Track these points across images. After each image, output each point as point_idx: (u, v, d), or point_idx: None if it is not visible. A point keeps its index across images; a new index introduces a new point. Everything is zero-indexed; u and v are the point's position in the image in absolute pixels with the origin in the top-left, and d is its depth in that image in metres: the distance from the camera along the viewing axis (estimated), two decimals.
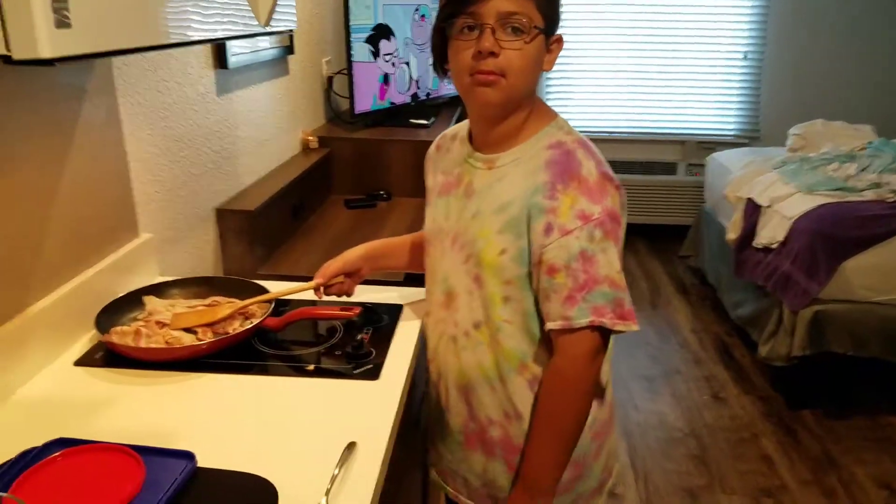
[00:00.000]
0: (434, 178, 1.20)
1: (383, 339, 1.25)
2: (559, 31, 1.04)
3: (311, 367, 1.16)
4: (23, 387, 1.09)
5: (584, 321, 0.95)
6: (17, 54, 0.63)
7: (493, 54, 0.95)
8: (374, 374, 1.14)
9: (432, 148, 1.24)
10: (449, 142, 1.19)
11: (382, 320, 1.32)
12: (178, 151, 1.60)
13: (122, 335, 1.18)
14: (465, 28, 0.96)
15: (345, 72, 2.50)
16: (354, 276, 1.32)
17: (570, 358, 1.00)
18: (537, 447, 1.05)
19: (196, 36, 0.88)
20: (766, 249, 2.77)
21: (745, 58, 4.16)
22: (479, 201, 1.05)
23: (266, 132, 2.11)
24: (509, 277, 1.02)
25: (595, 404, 1.09)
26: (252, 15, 1.01)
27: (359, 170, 2.46)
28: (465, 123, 1.16)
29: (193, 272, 1.67)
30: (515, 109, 1.03)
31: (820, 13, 4.04)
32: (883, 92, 4.12)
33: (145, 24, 0.79)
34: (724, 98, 4.26)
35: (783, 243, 2.68)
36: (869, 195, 2.74)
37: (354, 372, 1.14)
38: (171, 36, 0.83)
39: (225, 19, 0.95)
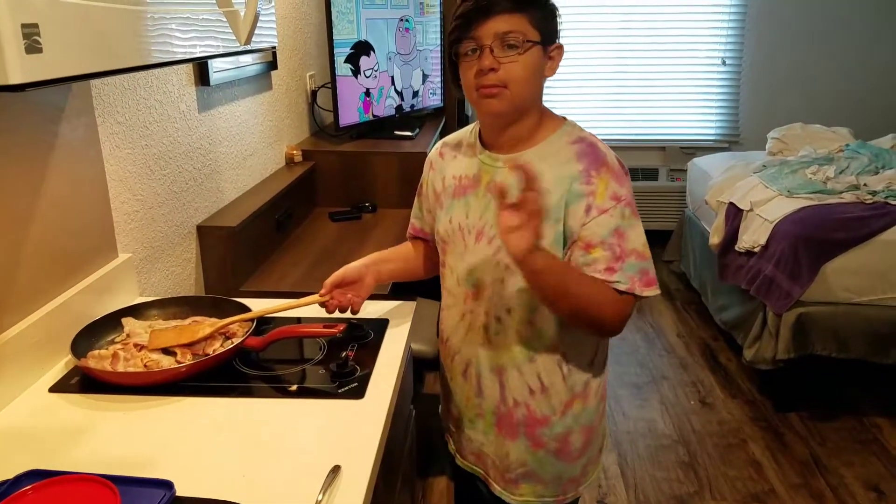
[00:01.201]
0: (443, 183, 1.26)
1: (369, 355, 1.24)
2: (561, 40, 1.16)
3: (294, 387, 1.15)
4: None
5: (622, 287, 1.08)
6: None
7: (493, 70, 1.07)
8: (359, 392, 1.12)
9: (435, 155, 1.30)
10: (452, 149, 1.27)
11: (368, 335, 1.30)
12: (159, 169, 1.58)
13: (99, 359, 1.16)
14: (469, 51, 1.09)
15: (329, 86, 2.49)
16: (358, 285, 1.30)
17: (612, 312, 1.11)
18: (565, 274, 1.09)
19: (174, 56, 0.87)
20: (749, 253, 2.78)
21: (723, 63, 4.20)
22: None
23: (250, 147, 2.09)
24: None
25: (598, 369, 1.24)
26: (232, 33, 1.00)
27: (344, 182, 2.45)
28: (467, 131, 1.27)
29: (174, 291, 1.65)
30: (524, 114, 1.14)
31: (795, 19, 4.10)
32: (859, 95, 4.18)
33: (120, 46, 0.78)
34: (703, 103, 4.30)
35: (765, 247, 2.69)
36: (848, 197, 2.77)
37: (339, 391, 1.13)
38: (147, 57, 0.81)
39: (204, 39, 0.94)
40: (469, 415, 1.29)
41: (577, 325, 1.15)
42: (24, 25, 0.61)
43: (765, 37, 4.13)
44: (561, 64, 1.19)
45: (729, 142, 4.30)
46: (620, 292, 1.09)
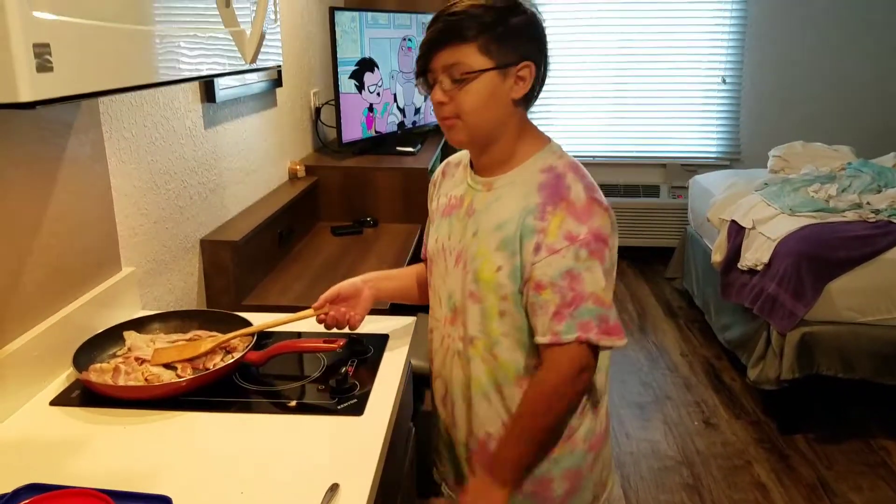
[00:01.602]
0: (437, 201, 1.25)
1: (368, 371, 1.24)
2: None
3: (294, 402, 1.15)
4: None
5: (571, 336, 1.01)
6: None
7: (444, 103, 1.06)
8: (358, 409, 1.12)
9: (438, 173, 1.30)
10: (453, 168, 1.26)
11: (368, 351, 1.30)
12: (164, 184, 1.59)
13: (100, 373, 1.16)
14: (427, 84, 1.09)
15: (332, 102, 2.51)
16: (354, 301, 1.29)
17: (557, 371, 1.05)
18: (509, 442, 1.10)
19: (180, 74, 0.88)
20: (752, 271, 2.77)
21: (723, 81, 4.22)
22: (478, 221, 1.12)
23: (254, 163, 2.11)
24: (505, 293, 1.08)
25: (590, 415, 1.16)
26: (238, 52, 1.02)
27: (346, 197, 2.47)
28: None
29: (176, 305, 1.65)
30: (494, 139, 1.10)
31: (795, 37, 4.12)
32: (859, 113, 4.19)
33: (129, 64, 0.79)
34: (704, 121, 4.31)
35: (768, 265, 2.68)
36: (851, 216, 2.75)
37: (338, 407, 1.12)
38: (155, 75, 0.83)
39: (210, 57, 0.96)
40: (447, 443, 1.26)
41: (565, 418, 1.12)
42: (35, 45, 0.63)
43: (765, 55, 4.15)
44: (563, 81, 1.19)
45: (730, 159, 4.31)
46: (566, 343, 1.02)
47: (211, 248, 1.76)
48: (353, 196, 2.47)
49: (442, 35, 1.04)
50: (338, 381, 1.17)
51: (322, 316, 1.27)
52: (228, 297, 1.77)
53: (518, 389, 1.12)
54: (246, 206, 2.05)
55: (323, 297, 1.27)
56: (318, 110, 2.69)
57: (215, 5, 0.99)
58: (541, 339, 1.04)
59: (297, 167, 2.39)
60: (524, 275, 1.05)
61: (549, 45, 1.10)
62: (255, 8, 1.08)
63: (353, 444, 1.03)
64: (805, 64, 4.15)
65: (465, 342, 1.15)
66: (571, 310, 1.01)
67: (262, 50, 1.10)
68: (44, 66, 0.64)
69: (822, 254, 2.55)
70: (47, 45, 0.64)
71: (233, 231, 1.83)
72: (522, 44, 1.05)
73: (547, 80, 1.12)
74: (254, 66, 1.08)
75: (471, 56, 1.03)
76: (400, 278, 1.37)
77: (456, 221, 1.16)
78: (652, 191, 4.31)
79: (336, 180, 2.46)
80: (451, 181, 1.23)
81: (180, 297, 1.68)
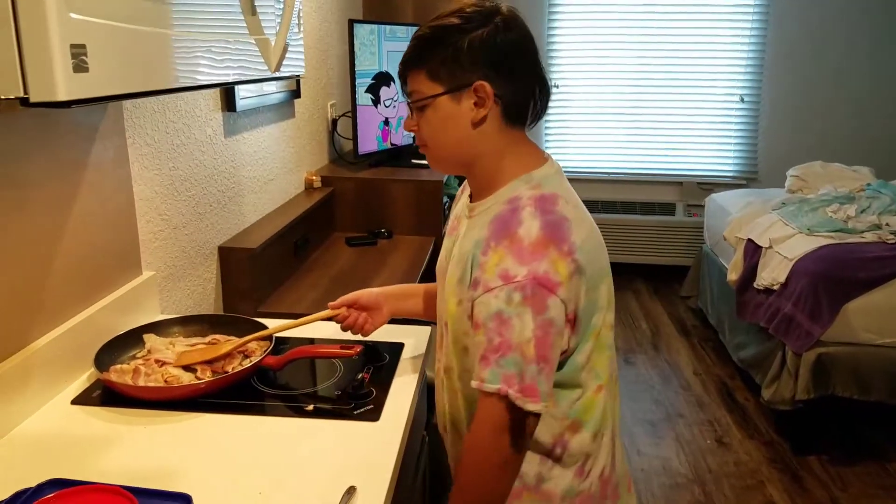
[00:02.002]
0: (449, 220, 1.22)
1: (384, 378, 1.24)
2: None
3: (311, 406, 1.15)
4: (19, 425, 1.08)
5: (493, 387, 0.90)
6: (35, 97, 0.65)
7: (413, 130, 1.04)
8: (374, 414, 1.13)
9: (459, 192, 1.25)
10: (466, 188, 1.21)
11: (383, 359, 1.31)
12: (184, 191, 1.62)
13: (120, 373, 1.18)
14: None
15: (349, 114, 2.54)
16: (374, 312, 1.28)
17: (479, 422, 0.94)
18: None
19: (207, 80, 0.90)
20: (768, 291, 2.75)
21: (741, 100, 4.22)
22: (457, 248, 1.06)
23: (271, 172, 2.13)
24: (465, 328, 1.00)
25: (570, 473, 1.03)
26: (262, 60, 1.04)
27: (361, 208, 2.49)
28: None
29: (194, 310, 1.67)
30: (468, 164, 1.03)
31: (814, 56, 4.12)
32: (880, 134, 4.17)
33: (159, 68, 0.82)
34: (721, 139, 4.31)
35: (784, 285, 2.66)
36: (869, 237, 2.74)
37: (354, 412, 1.13)
38: (182, 80, 0.85)
39: (236, 64, 0.98)
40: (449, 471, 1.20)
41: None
42: (73, 46, 0.65)
43: (783, 75, 4.15)
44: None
45: (747, 178, 4.30)
46: (490, 393, 0.91)
47: (228, 255, 1.78)
48: (368, 207, 2.49)
49: (401, 63, 1.02)
50: (354, 387, 1.18)
51: (340, 316, 1.27)
52: (245, 303, 1.79)
53: None
54: (263, 215, 2.07)
55: (341, 299, 1.28)
56: (334, 122, 2.72)
57: (241, 13, 1.01)
58: (472, 382, 0.94)
59: (314, 177, 2.42)
60: (468, 311, 0.98)
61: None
62: (279, 17, 1.10)
63: (369, 449, 1.04)
64: (824, 84, 4.14)
65: (445, 370, 1.11)
66: (497, 357, 0.90)
67: (286, 58, 1.12)
68: (80, 66, 0.66)
69: (839, 274, 2.53)
70: (83, 46, 0.66)
71: (250, 239, 1.85)
72: (476, 63, 0.96)
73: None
74: (278, 74, 1.10)
75: (422, 82, 0.99)
76: (414, 297, 1.33)
77: (450, 244, 1.11)
78: (668, 209, 4.30)
79: (351, 191, 2.48)
80: (461, 202, 1.19)
81: (198, 302, 1.70)
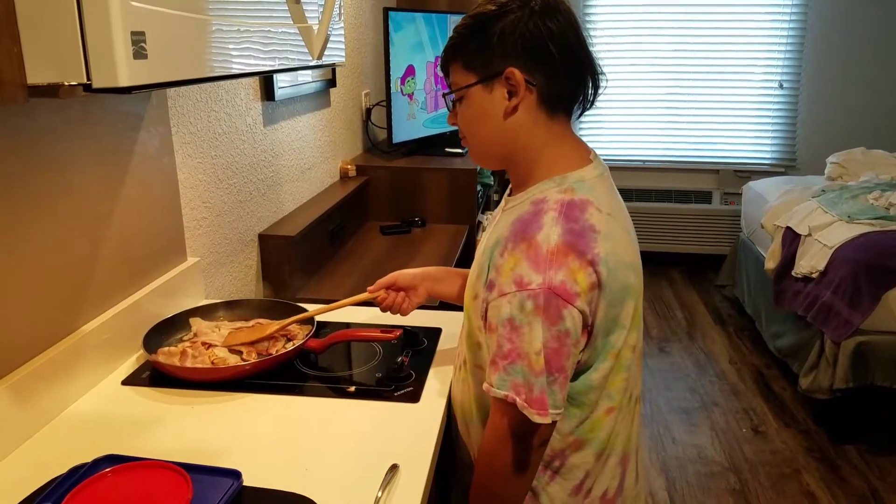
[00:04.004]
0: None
1: (423, 361, 1.27)
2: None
3: (352, 388, 1.18)
4: (73, 405, 1.13)
5: (501, 393, 0.89)
6: (98, 83, 0.68)
7: (455, 124, 1.02)
8: (414, 396, 1.15)
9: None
10: None
11: (422, 343, 1.33)
12: (226, 179, 1.65)
13: (168, 355, 1.22)
14: None
15: (383, 104, 2.56)
16: (411, 292, 1.29)
17: (490, 427, 0.94)
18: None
19: (254, 68, 0.93)
20: (806, 279, 2.71)
21: (780, 86, 4.14)
22: (482, 241, 1.04)
23: (308, 161, 2.17)
24: (479, 324, 0.98)
25: (569, 489, 1.00)
26: (305, 49, 1.06)
27: (395, 197, 2.51)
28: None
29: (236, 295, 1.71)
30: (506, 158, 1.00)
31: (855, 42, 4.01)
32: None
33: (210, 55, 0.84)
34: (759, 126, 4.22)
35: (823, 273, 2.62)
36: None
37: (395, 394, 1.15)
38: (232, 67, 0.87)
39: (280, 52, 1.00)
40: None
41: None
42: (133, 33, 0.67)
43: (823, 60, 4.05)
44: (616, 85, 1.04)
45: (785, 166, 4.21)
46: (499, 398, 0.90)
47: (268, 243, 1.82)
48: (402, 196, 2.51)
49: (441, 56, 1.00)
50: (394, 370, 1.21)
51: (380, 298, 1.28)
52: (284, 289, 1.82)
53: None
54: (301, 203, 2.10)
55: (380, 281, 1.29)
56: (368, 111, 2.75)
57: (285, 2, 1.03)
58: (483, 385, 0.93)
59: (349, 166, 2.44)
60: (482, 310, 0.95)
61: (603, 48, 0.98)
62: (321, 5, 1.12)
63: (410, 429, 1.06)
64: (865, 69, 4.03)
65: (460, 361, 1.10)
66: (506, 363, 0.88)
67: (327, 46, 1.13)
68: (140, 53, 0.68)
69: (880, 262, 2.48)
70: (143, 34, 0.69)
71: (289, 227, 1.88)
72: (508, 51, 0.92)
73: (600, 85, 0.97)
74: (320, 62, 1.12)
75: (459, 74, 0.97)
76: (449, 280, 1.31)
77: (488, 230, 1.08)
78: (704, 197, 4.24)
79: (385, 180, 2.50)
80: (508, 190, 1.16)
81: (239, 287, 1.74)
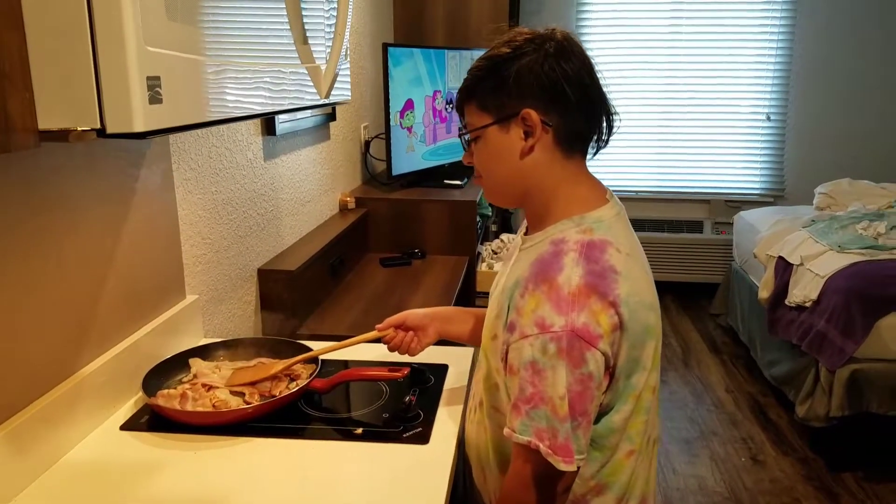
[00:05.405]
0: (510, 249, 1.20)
1: (430, 400, 1.24)
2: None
3: (360, 430, 1.15)
4: (70, 451, 1.09)
5: (524, 438, 0.87)
6: (112, 128, 0.66)
7: (470, 164, 1.02)
8: (423, 437, 1.13)
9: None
10: None
11: (428, 380, 1.31)
12: (226, 214, 1.64)
13: (168, 398, 1.19)
14: None
15: (382, 136, 2.57)
16: (420, 332, 1.26)
17: (511, 474, 0.92)
18: None
19: (264, 109, 0.92)
20: (800, 308, 2.74)
21: (767, 118, 4.21)
22: (501, 280, 1.03)
23: (308, 194, 2.16)
24: (498, 366, 0.96)
25: None
26: (313, 88, 1.05)
27: (394, 229, 2.51)
28: None
29: (235, 333, 1.68)
30: (523, 197, 1.00)
31: (840, 75, 4.10)
32: None
33: (222, 98, 0.83)
34: (748, 157, 4.29)
35: (817, 302, 2.64)
36: None
37: (403, 435, 1.13)
38: (243, 109, 0.86)
39: (290, 92, 1.00)
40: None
41: None
42: (149, 78, 0.66)
43: (810, 92, 4.13)
44: None
45: (774, 196, 4.28)
46: (521, 444, 0.88)
47: (268, 278, 1.79)
48: (402, 228, 2.50)
49: (457, 96, 1.01)
50: (402, 410, 1.18)
51: (388, 337, 1.26)
52: (284, 325, 1.80)
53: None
54: (300, 237, 2.09)
55: (388, 320, 1.26)
56: (367, 143, 2.75)
57: (293, 43, 1.03)
58: (504, 430, 0.91)
59: (348, 199, 2.44)
60: (501, 352, 0.94)
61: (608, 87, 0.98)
62: (328, 45, 1.12)
63: (420, 472, 1.04)
64: (850, 100, 4.12)
65: (475, 402, 1.07)
66: (529, 408, 0.86)
67: (334, 85, 1.13)
68: (155, 97, 0.67)
69: (872, 291, 2.52)
70: (158, 78, 0.68)
71: (288, 261, 1.87)
72: (524, 92, 0.92)
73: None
74: (327, 100, 1.11)
75: (474, 114, 0.98)
76: (461, 321, 1.29)
77: (503, 269, 1.07)
78: (695, 226, 4.29)
79: (385, 212, 2.50)
80: (521, 230, 1.13)
81: (239, 325, 1.71)
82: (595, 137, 0.99)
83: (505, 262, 1.09)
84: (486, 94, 0.95)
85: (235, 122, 0.86)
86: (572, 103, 0.93)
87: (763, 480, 2.55)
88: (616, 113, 0.99)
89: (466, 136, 1.00)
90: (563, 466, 0.86)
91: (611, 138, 1.00)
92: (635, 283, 0.91)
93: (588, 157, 1.00)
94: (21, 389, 1.02)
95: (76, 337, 1.13)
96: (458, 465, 1.16)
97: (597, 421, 0.92)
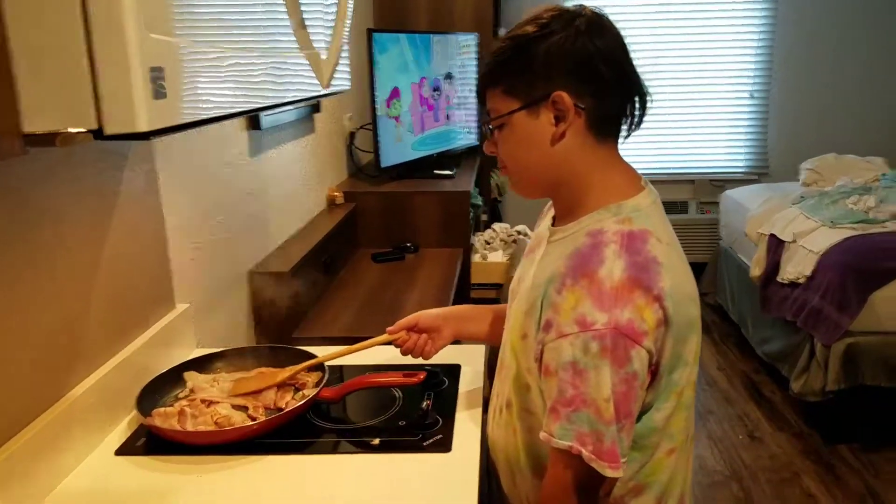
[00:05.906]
0: (530, 241, 1.13)
1: (447, 404, 1.17)
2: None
3: (377, 441, 1.08)
4: (63, 481, 1.00)
5: (564, 443, 0.82)
6: (111, 129, 0.57)
7: (493, 153, 0.96)
8: (445, 444, 1.06)
9: (546, 207, 1.13)
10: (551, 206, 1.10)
11: (442, 383, 1.24)
12: (214, 216, 1.55)
13: (165, 417, 1.10)
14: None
15: (368, 127, 2.48)
16: (434, 334, 1.19)
17: (550, 480, 0.87)
18: None
19: (268, 101, 0.84)
20: (793, 284, 2.74)
21: (751, 97, 4.21)
22: (533, 273, 0.96)
23: (295, 190, 2.07)
24: (529, 365, 0.91)
25: None
26: (312, 77, 0.97)
27: (385, 223, 2.42)
28: None
29: (228, 340, 1.59)
30: (553, 185, 0.94)
31: (821, 52, 4.10)
32: (888, 124, 4.16)
33: (228, 91, 0.75)
34: (732, 136, 4.29)
35: (811, 277, 2.65)
36: (892, 226, 2.74)
37: (424, 444, 1.06)
38: (249, 103, 0.78)
39: (293, 83, 0.92)
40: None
41: None
42: (152, 69, 0.57)
43: (791, 69, 4.13)
44: None
45: (758, 173, 4.29)
46: (560, 449, 0.83)
47: (260, 281, 1.70)
48: (393, 221, 2.42)
49: (478, 82, 0.94)
50: (419, 416, 1.11)
51: (400, 340, 1.19)
52: (279, 329, 1.71)
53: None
54: (289, 235, 2.00)
55: (400, 322, 1.19)
56: (352, 135, 2.65)
57: (291, 29, 0.95)
58: (541, 434, 0.86)
59: (336, 193, 2.34)
60: (535, 352, 0.88)
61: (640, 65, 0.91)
62: (329, 31, 1.04)
63: (446, 482, 0.98)
64: (831, 76, 4.13)
65: (501, 403, 1.01)
66: (569, 411, 0.81)
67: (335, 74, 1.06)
68: (159, 92, 0.59)
69: (866, 265, 2.54)
70: (161, 70, 0.59)
71: (280, 261, 1.78)
72: (553, 73, 0.86)
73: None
74: (328, 90, 1.04)
75: (498, 100, 0.91)
76: (478, 319, 1.22)
77: (527, 265, 1.00)
78: (681, 207, 4.28)
79: (375, 206, 2.41)
80: (544, 219, 1.08)
81: (232, 331, 1.62)
82: (627, 120, 0.92)
83: (528, 256, 1.03)
84: (512, 77, 0.88)
85: (237, 117, 0.78)
86: (606, 84, 0.87)
87: (762, 457, 2.57)
88: (649, 93, 0.92)
89: (490, 125, 0.93)
90: (609, 472, 0.81)
91: (643, 120, 0.94)
92: (677, 275, 0.86)
93: (620, 141, 0.94)
94: (10, 418, 0.93)
95: (65, 357, 1.04)
96: (483, 471, 1.10)
97: (637, 420, 0.87)
